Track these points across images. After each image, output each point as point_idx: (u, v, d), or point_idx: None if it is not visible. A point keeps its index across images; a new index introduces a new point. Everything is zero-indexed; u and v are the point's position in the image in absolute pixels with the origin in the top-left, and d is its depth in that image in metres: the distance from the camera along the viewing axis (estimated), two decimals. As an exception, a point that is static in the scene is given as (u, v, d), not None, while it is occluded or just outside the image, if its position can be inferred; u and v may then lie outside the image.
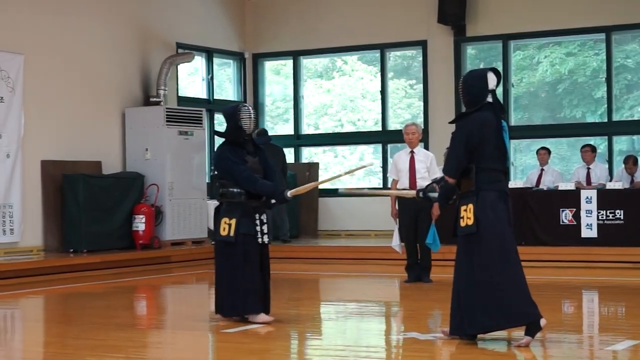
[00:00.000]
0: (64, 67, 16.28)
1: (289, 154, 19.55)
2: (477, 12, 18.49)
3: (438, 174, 12.82)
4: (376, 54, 19.83)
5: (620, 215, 14.88)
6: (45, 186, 15.78)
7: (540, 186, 15.97)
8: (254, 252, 8.99)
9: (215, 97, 19.83)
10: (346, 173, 10.63)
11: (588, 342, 8.14)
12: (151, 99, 17.60)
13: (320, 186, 19.58)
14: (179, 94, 18.81)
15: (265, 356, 7.83)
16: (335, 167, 20.68)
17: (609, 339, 8.12)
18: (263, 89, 20.91)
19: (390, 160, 18.67)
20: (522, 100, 18.84)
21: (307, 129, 20.59)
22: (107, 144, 17.00)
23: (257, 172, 9.05)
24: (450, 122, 8.02)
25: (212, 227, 17.35)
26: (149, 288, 13.65)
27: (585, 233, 15.02)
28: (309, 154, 20.56)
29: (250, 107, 9.09)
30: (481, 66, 19.14)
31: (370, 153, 20.54)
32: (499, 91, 18.42)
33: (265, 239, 9.08)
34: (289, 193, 9.03)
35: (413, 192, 8.50)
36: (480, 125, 7.55)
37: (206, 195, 17.70)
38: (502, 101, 8.05)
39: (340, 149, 20.85)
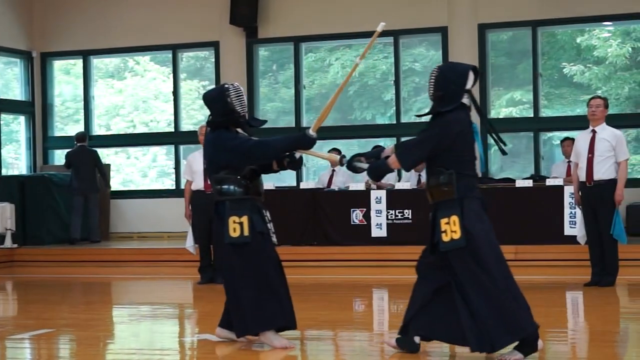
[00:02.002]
0: None
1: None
2: (268, 14, 18.63)
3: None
4: (168, 55, 19.69)
5: (408, 214, 15.24)
6: None
7: (332, 187, 16.20)
8: (275, 253, 7.71)
9: (1, 97, 19.25)
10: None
11: (377, 339, 8.30)
12: None
13: (113, 188, 19.33)
14: (-37, 94, 18.17)
15: (55, 362, 7.66)
16: (128, 168, 20.42)
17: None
18: (52, 89, 20.42)
19: (183, 162, 18.59)
20: (314, 102, 19.11)
21: (98, 130, 20.24)
22: None
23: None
24: (420, 116, 7.23)
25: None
26: None
27: (375, 232, 15.32)
28: (100, 155, 20.17)
29: (238, 86, 7.80)
30: (274, 67, 19.30)
31: (163, 154, 20.38)
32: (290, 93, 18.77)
33: (274, 239, 7.76)
34: (312, 131, 7.63)
35: (337, 157, 7.84)
36: (459, 130, 6.90)
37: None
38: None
39: (132, 150, 20.60)
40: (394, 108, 18.34)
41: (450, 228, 6.80)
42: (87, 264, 15.92)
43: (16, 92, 20.03)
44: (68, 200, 17.98)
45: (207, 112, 7.83)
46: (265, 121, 8.21)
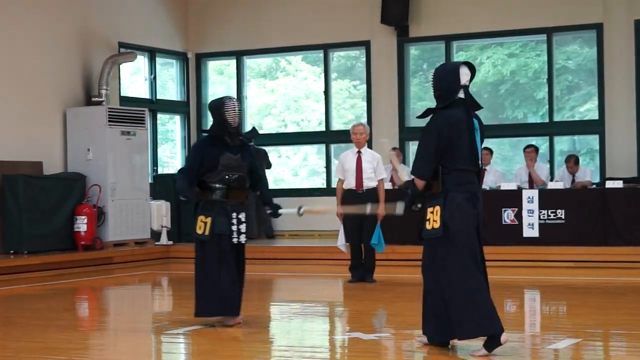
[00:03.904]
0: (3, 66, 16.09)
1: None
2: (420, 13, 18.57)
3: (384, 174, 12.84)
4: (320, 54, 19.83)
5: (561, 215, 15.02)
6: (-15, 187, 15.59)
7: (483, 186, 16.05)
8: (229, 252, 8.85)
9: (158, 97, 19.71)
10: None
11: (530, 341, 8.20)
12: (93, 99, 17.45)
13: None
14: (122, 94, 18.67)
15: (209, 357, 7.79)
16: (279, 167, 20.63)
17: (551, 338, 8.19)
18: (206, 89, 20.82)
19: (334, 161, 18.70)
20: (465, 100, 18.94)
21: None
22: (48, 144, 16.82)
23: (237, 170, 8.89)
24: (419, 117, 7.51)
25: (154, 227, 17.38)
26: (90, 289, 13.53)
27: (527, 233, 15.14)
28: (252, 154, 20.48)
29: (235, 101, 8.86)
30: (424, 66, 19.24)
31: (314, 153, 20.54)
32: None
33: (242, 238, 8.94)
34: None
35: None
36: (450, 125, 7.15)
37: (149, 196, 17.59)
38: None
39: (283, 149, 20.82)
40: (547, 107, 18.04)
41: (433, 217, 7.18)
42: (239, 261, 16.13)
43: (172, 92, 20.49)
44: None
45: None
46: (256, 133, 9.93)
